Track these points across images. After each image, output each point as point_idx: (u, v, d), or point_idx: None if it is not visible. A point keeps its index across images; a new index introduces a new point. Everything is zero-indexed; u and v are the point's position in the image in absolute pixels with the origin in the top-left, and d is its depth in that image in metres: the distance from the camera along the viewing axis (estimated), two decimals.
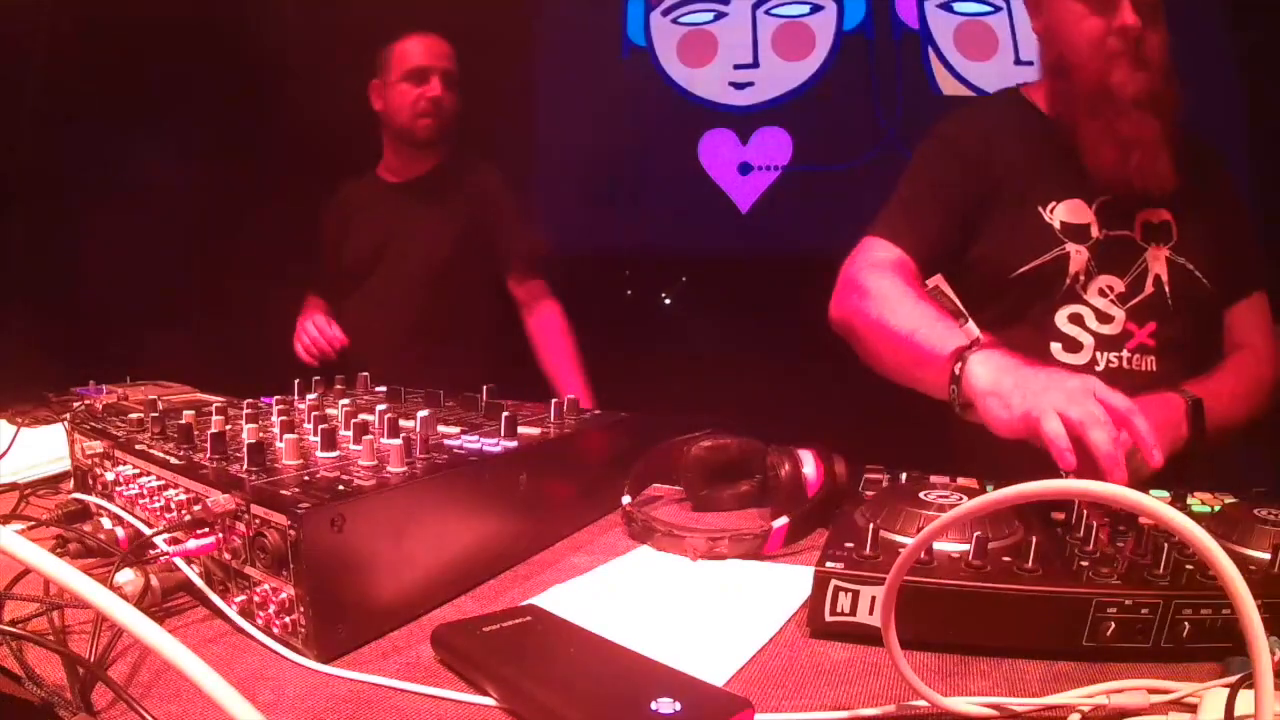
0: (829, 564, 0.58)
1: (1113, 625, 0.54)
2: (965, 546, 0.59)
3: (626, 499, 0.86)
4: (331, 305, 1.88)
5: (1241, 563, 0.43)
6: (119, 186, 2.01)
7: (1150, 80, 1.02)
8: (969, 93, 2.07)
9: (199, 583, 0.60)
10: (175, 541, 0.60)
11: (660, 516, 0.84)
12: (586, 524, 0.86)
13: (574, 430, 0.85)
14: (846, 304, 1.06)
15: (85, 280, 1.97)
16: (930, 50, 2.11)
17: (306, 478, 0.61)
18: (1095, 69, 1.03)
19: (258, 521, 0.56)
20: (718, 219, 2.24)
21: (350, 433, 0.72)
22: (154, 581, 0.61)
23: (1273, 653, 0.41)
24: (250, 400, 0.88)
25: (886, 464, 0.87)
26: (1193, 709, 0.45)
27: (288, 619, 0.56)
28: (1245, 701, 0.41)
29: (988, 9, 2.06)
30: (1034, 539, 0.58)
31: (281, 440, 0.67)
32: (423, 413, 0.74)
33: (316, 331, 1.74)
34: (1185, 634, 0.54)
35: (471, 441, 0.75)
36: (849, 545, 0.61)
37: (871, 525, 0.61)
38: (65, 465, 0.94)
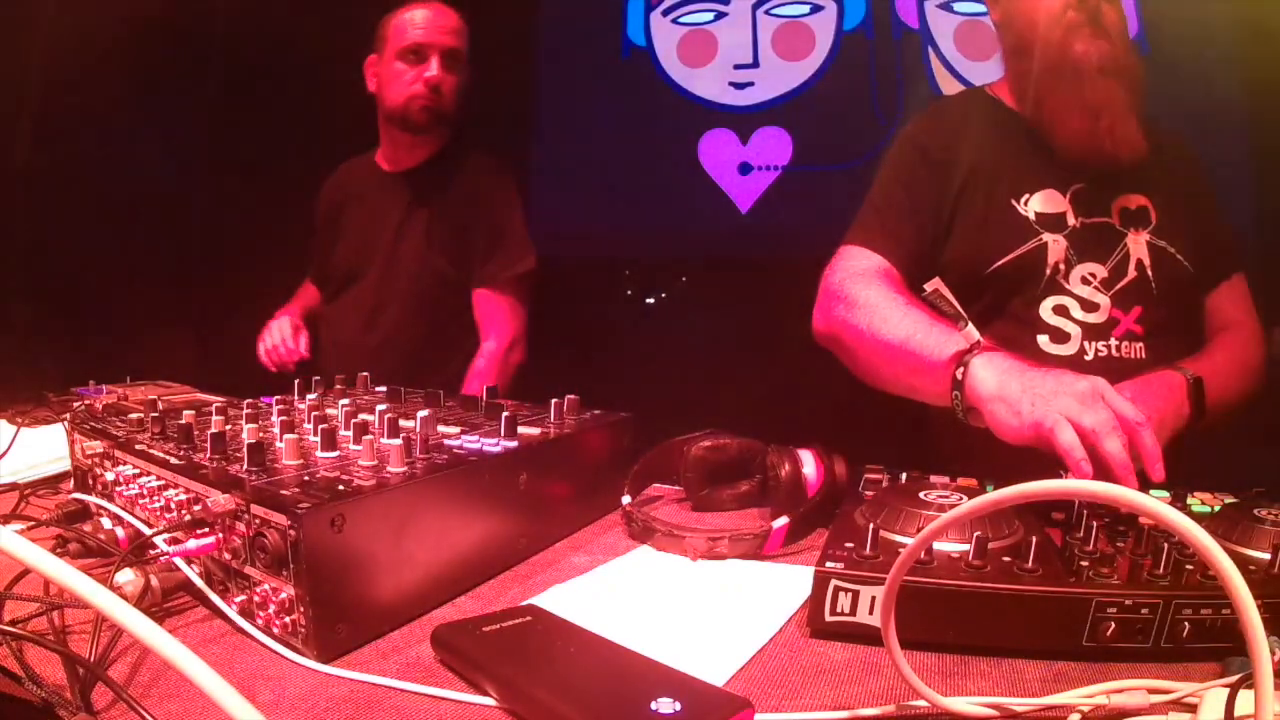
0: (829, 564, 0.58)
1: (1113, 625, 0.54)
2: (965, 546, 0.59)
3: (626, 499, 0.86)
4: (325, 299, 1.79)
5: (1241, 563, 0.43)
6: (119, 186, 2.01)
7: (1112, 48, 1.02)
8: None
9: (199, 583, 0.60)
10: (175, 541, 0.60)
11: (660, 516, 0.84)
12: (586, 524, 0.86)
13: (574, 430, 0.85)
14: (832, 315, 1.04)
15: (85, 280, 1.97)
16: (930, 50, 2.11)
17: (306, 478, 0.61)
18: (1056, 41, 1.03)
19: (258, 521, 0.56)
20: (718, 219, 2.24)
21: (350, 433, 0.72)
22: (154, 581, 0.61)
23: (1273, 653, 0.41)
24: (250, 400, 0.88)
25: (886, 464, 0.87)
26: (1193, 709, 0.45)
27: (288, 619, 0.56)
28: (1245, 701, 0.41)
29: (988, 9, 2.06)
30: (1034, 539, 0.58)
31: (281, 440, 0.67)
32: (423, 413, 0.74)
33: (280, 338, 1.64)
34: (1185, 634, 0.54)
35: (471, 441, 0.75)
36: (849, 545, 0.61)
37: (871, 525, 0.61)
38: (65, 465, 0.94)
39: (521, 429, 0.81)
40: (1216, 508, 0.72)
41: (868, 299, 0.99)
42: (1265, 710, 0.35)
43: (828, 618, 0.58)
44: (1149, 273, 1.05)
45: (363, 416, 0.78)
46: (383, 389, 1.06)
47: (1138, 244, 1.06)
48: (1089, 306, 1.04)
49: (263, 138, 2.16)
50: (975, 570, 0.57)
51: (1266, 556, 0.57)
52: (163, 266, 2.17)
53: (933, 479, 0.80)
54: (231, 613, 0.58)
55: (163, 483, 0.67)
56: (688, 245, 2.31)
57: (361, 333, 1.68)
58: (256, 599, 0.58)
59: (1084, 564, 0.57)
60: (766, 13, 2.24)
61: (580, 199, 2.37)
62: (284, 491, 0.57)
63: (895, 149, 1.16)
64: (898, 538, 0.63)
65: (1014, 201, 1.07)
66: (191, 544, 0.59)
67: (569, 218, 2.35)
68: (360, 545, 0.57)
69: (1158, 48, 1.88)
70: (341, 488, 0.59)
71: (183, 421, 0.74)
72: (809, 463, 0.87)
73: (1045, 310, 1.05)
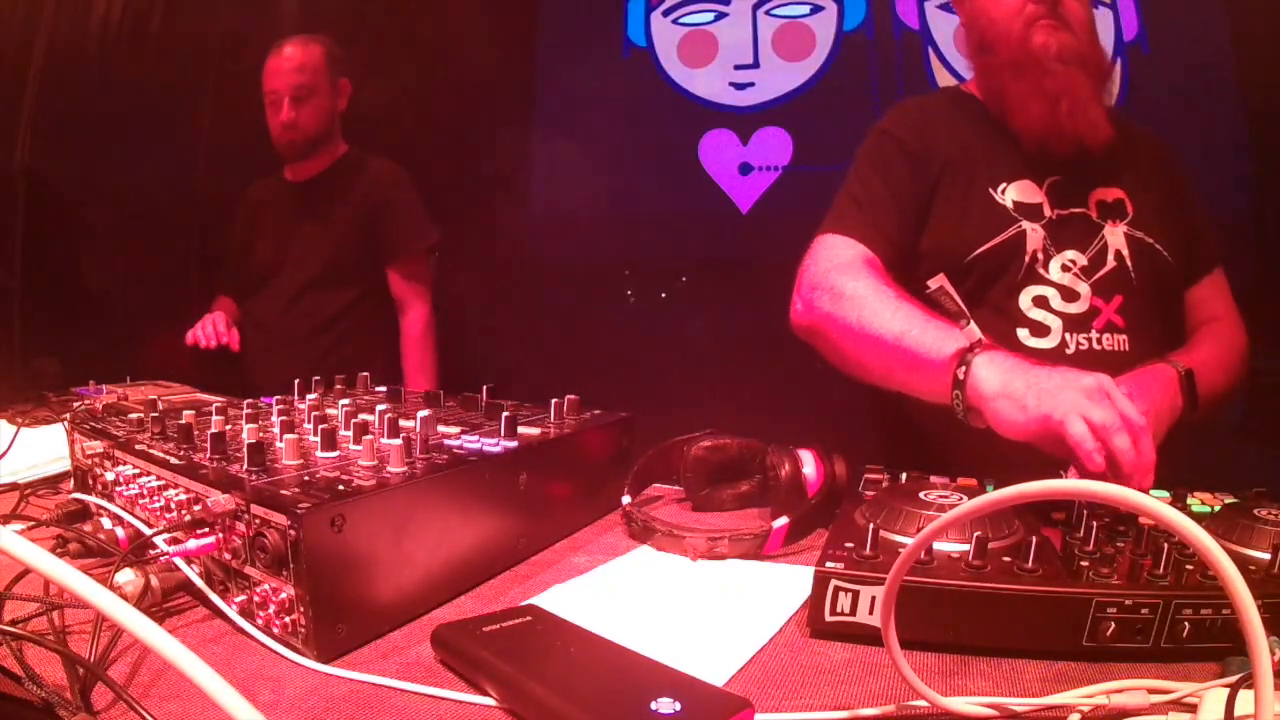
0: (829, 564, 0.58)
1: (1113, 625, 0.54)
2: (965, 546, 0.59)
3: (626, 499, 0.86)
4: (239, 305, 1.92)
5: (1241, 563, 0.43)
6: (119, 187, 2.01)
7: (1074, 40, 1.02)
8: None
9: (199, 583, 0.60)
10: (175, 541, 0.60)
11: (660, 516, 0.84)
12: (586, 524, 0.86)
13: (574, 430, 0.85)
14: (815, 308, 1.01)
15: (85, 280, 1.97)
16: (930, 50, 2.11)
17: (306, 478, 0.61)
18: (1016, 34, 1.04)
19: (258, 521, 0.56)
20: (718, 219, 2.24)
21: (350, 433, 0.72)
22: (154, 581, 0.61)
23: (1273, 653, 0.41)
24: (250, 400, 0.88)
25: (886, 464, 0.87)
26: (1193, 709, 0.45)
27: (288, 619, 0.56)
28: (1245, 701, 0.41)
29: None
30: (1034, 539, 0.58)
31: (281, 440, 0.67)
32: (423, 413, 0.74)
33: (213, 330, 1.77)
34: (1185, 634, 0.53)
35: (471, 441, 0.75)
36: (849, 545, 0.61)
37: (871, 525, 0.61)
38: (65, 465, 0.94)
39: (521, 429, 0.81)
40: (1216, 508, 0.72)
41: (856, 291, 0.96)
42: (1265, 710, 0.35)
43: (828, 618, 0.58)
44: (1128, 262, 1.05)
45: (363, 416, 0.78)
46: (383, 389, 1.06)
47: (1115, 234, 1.06)
48: (1069, 295, 1.04)
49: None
50: (975, 570, 0.57)
51: (1266, 556, 0.57)
52: (163, 266, 2.16)
53: (933, 479, 0.80)
54: (231, 613, 0.58)
55: (163, 483, 0.67)
56: (688, 245, 2.31)
57: (281, 315, 1.82)
58: (256, 599, 0.57)
59: (1084, 564, 0.57)
60: (767, 13, 2.24)
61: (580, 199, 2.37)
62: (284, 491, 0.57)
63: (870, 142, 1.15)
64: (898, 538, 0.63)
65: (991, 190, 1.07)
66: (191, 544, 0.59)
67: (569, 218, 2.34)
68: (360, 545, 0.57)
69: (1157, 46, 1.88)
70: (341, 488, 0.59)
71: (183, 421, 0.74)
72: (809, 463, 0.87)
73: (1025, 301, 1.04)
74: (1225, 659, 0.52)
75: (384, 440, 0.72)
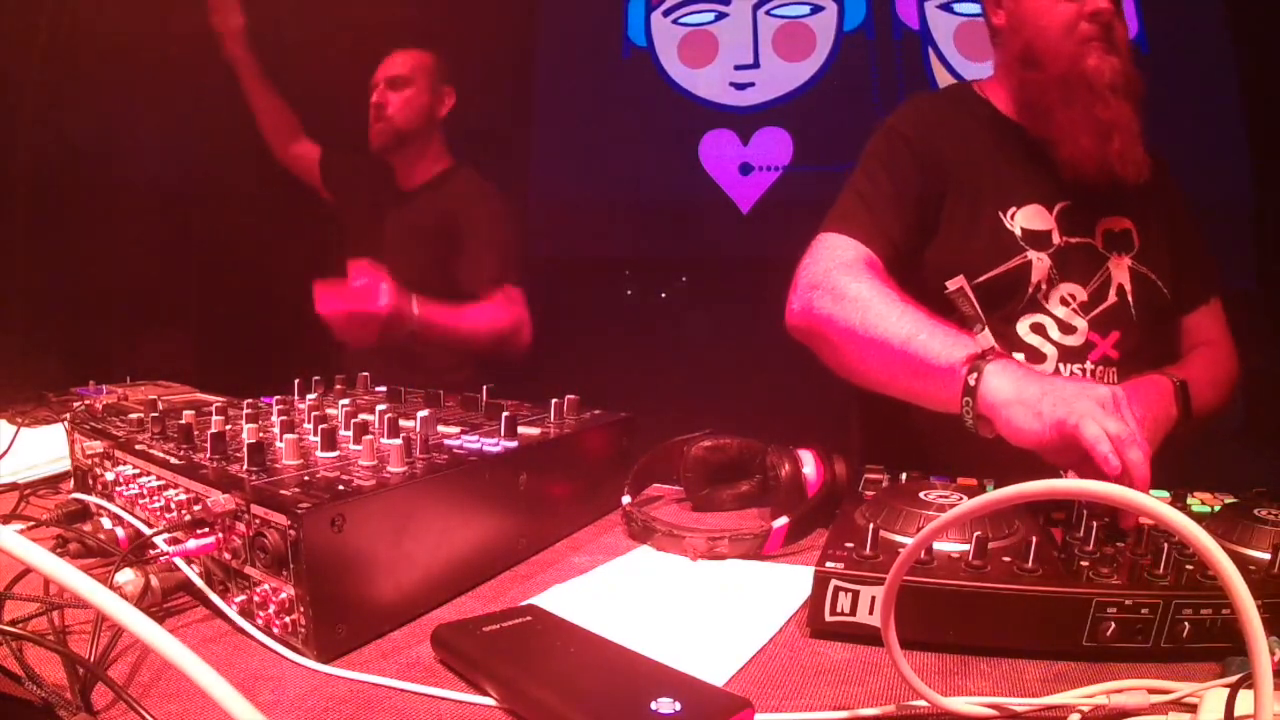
0: (829, 564, 0.58)
1: (1113, 625, 0.54)
2: (965, 546, 0.59)
3: (626, 499, 0.86)
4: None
5: (1241, 563, 0.43)
6: (118, 186, 2.01)
7: (1124, 65, 1.00)
8: None
9: (199, 583, 0.60)
10: (175, 541, 0.60)
11: (660, 516, 0.84)
12: (586, 524, 0.86)
13: (574, 430, 0.85)
14: (814, 309, 0.97)
15: (85, 280, 1.97)
16: (930, 50, 2.11)
17: (306, 478, 0.61)
18: (1068, 55, 1.01)
19: (258, 521, 0.56)
20: (718, 219, 2.24)
21: (350, 433, 0.72)
22: (154, 581, 0.61)
23: (1273, 653, 0.41)
24: (250, 400, 0.88)
25: (886, 464, 0.87)
26: (1193, 709, 0.45)
27: (288, 619, 0.56)
28: (1245, 701, 0.41)
29: (986, 12, 2.07)
30: (1034, 539, 0.58)
31: (281, 440, 0.67)
32: (423, 413, 0.74)
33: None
34: (1185, 634, 0.54)
35: (471, 441, 0.75)
36: (849, 545, 0.61)
37: (871, 525, 0.61)
38: (65, 465, 0.94)
39: (521, 429, 0.81)
40: (1216, 508, 0.72)
41: (859, 293, 0.93)
42: (1265, 710, 0.35)
43: (828, 618, 0.58)
44: (1129, 298, 1.05)
45: (363, 416, 0.78)
46: (383, 389, 1.06)
47: (1120, 268, 1.05)
48: (1066, 328, 1.03)
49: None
50: (975, 570, 0.57)
51: (1266, 556, 0.57)
52: (163, 266, 2.16)
53: (933, 479, 0.80)
54: (231, 613, 0.58)
55: (163, 483, 0.67)
56: (688, 245, 2.31)
57: None
58: (256, 599, 0.57)
59: (1084, 564, 0.57)
60: (767, 13, 2.24)
61: (581, 199, 2.37)
62: (284, 491, 0.57)
63: (878, 140, 1.13)
64: (898, 538, 0.63)
65: (1000, 214, 1.05)
66: (191, 544, 0.59)
67: (569, 218, 2.35)
68: (360, 545, 0.57)
69: (1157, 46, 1.88)
70: (341, 488, 0.59)
71: (183, 421, 0.74)
72: (809, 463, 0.87)
73: (1023, 328, 1.04)
74: (1225, 659, 0.52)
75: (384, 440, 0.72)
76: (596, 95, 2.35)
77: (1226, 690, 0.43)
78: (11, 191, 1.92)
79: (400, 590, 0.61)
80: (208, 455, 0.68)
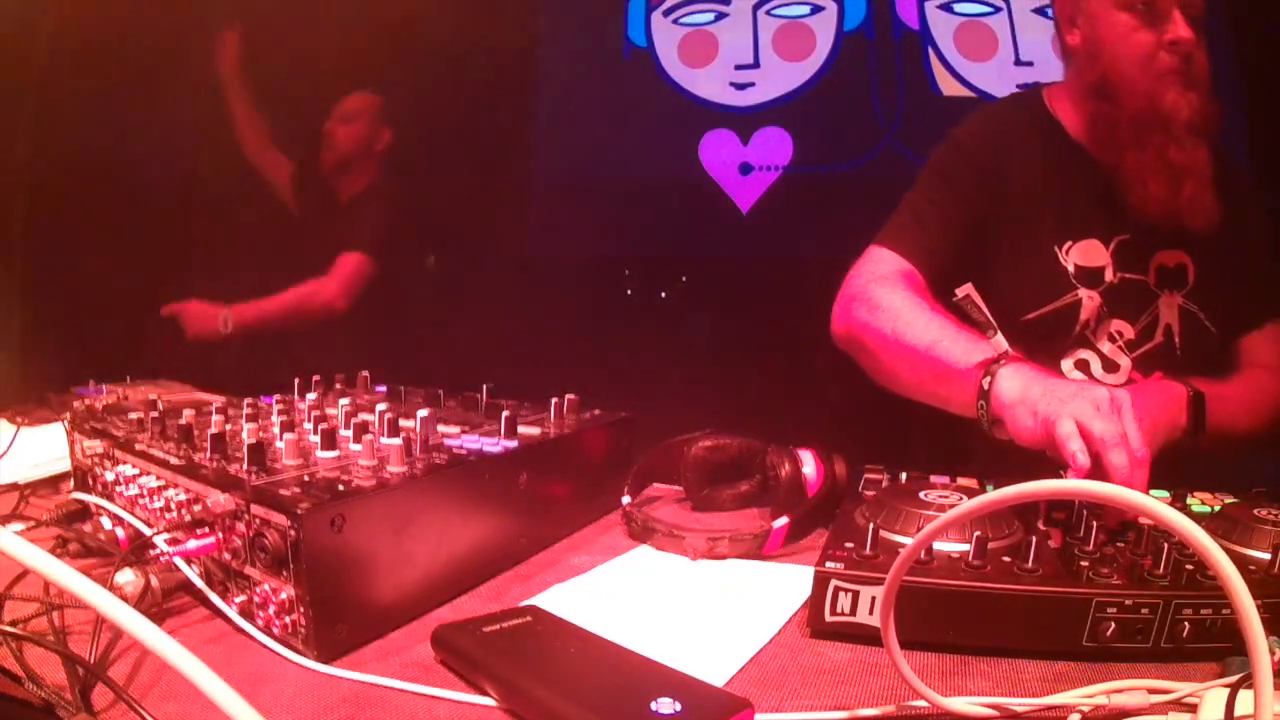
0: (829, 564, 0.58)
1: (1113, 625, 0.54)
2: (965, 546, 0.59)
3: (626, 499, 0.86)
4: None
5: (1241, 563, 0.43)
6: (118, 186, 2.01)
7: (1201, 100, 0.96)
8: (969, 93, 2.06)
9: (199, 583, 0.60)
10: (175, 541, 0.60)
11: (660, 516, 0.84)
12: (586, 524, 0.86)
13: (574, 430, 0.85)
14: (853, 318, 0.99)
15: (85, 280, 1.97)
16: (930, 50, 2.11)
17: (306, 478, 0.61)
18: (1145, 89, 0.96)
19: (258, 521, 0.56)
20: (718, 219, 2.23)
21: (350, 433, 0.72)
22: (154, 582, 0.61)
23: (1273, 653, 0.41)
24: (250, 400, 0.88)
25: (886, 464, 0.87)
26: (1193, 709, 0.45)
27: (288, 619, 0.56)
28: (1245, 701, 0.41)
29: (988, 9, 2.06)
30: (1034, 539, 0.58)
31: (281, 440, 0.67)
32: (422, 412, 0.74)
33: None
34: (1185, 634, 0.54)
35: (471, 441, 0.75)
36: (849, 545, 0.61)
37: (871, 525, 0.61)
38: (65, 465, 0.94)
39: (521, 429, 0.81)
40: (1216, 508, 0.72)
41: (891, 303, 0.95)
42: (1265, 710, 0.35)
43: (828, 618, 0.58)
44: (1176, 339, 1.02)
45: (362, 416, 0.78)
46: (382, 388, 1.06)
47: (1170, 307, 1.03)
48: (1110, 365, 1.02)
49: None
50: (975, 570, 0.57)
51: (1266, 556, 0.57)
52: (163, 267, 2.16)
53: (933, 479, 0.80)
54: (231, 613, 0.58)
55: (163, 483, 0.67)
56: (688, 245, 2.30)
57: None
58: (256, 599, 0.58)
59: (1084, 564, 0.57)
60: (767, 13, 2.24)
61: (581, 198, 2.37)
62: (284, 491, 0.57)
63: (943, 150, 1.11)
64: (898, 538, 0.63)
65: (1056, 249, 1.03)
66: (191, 544, 0.59)
67: (569, 218, 2.34)
68: (360, 545, 0.57)
69: None
70: (341, 488, 0.59)
71: (183, 421, 0.74)
72: (809, 463, 0.87)
73: (1067, 364, 1.03)
74: (1225, 659, 0.52)
75: (384, 440, 0.71)
76: (596, 95, 2.35)
77: (1226, 690, 0.43)
78: (12, 190, 1.91)
79: (400, 590, 0.61)
80: (208, 455, 0.68)
